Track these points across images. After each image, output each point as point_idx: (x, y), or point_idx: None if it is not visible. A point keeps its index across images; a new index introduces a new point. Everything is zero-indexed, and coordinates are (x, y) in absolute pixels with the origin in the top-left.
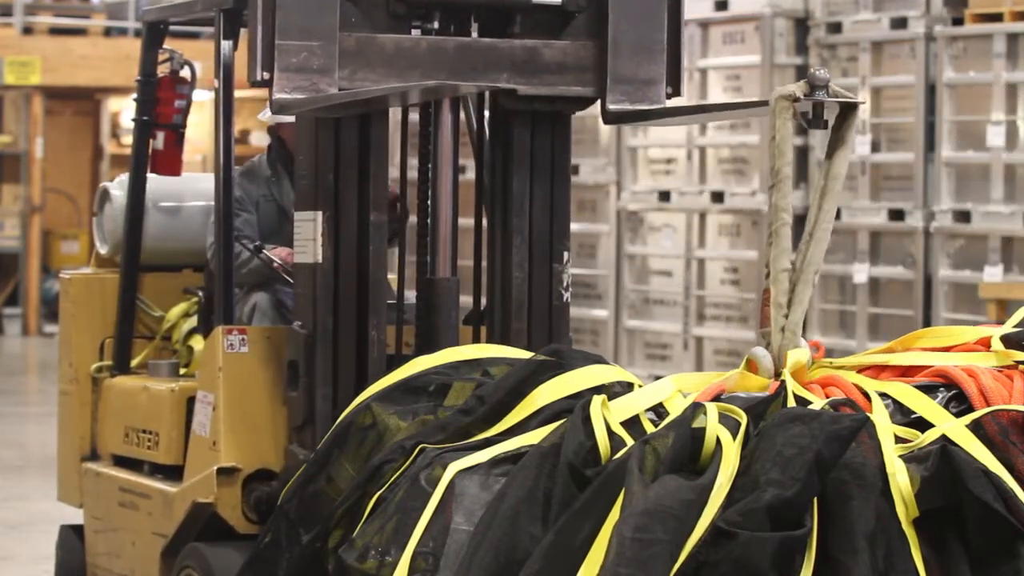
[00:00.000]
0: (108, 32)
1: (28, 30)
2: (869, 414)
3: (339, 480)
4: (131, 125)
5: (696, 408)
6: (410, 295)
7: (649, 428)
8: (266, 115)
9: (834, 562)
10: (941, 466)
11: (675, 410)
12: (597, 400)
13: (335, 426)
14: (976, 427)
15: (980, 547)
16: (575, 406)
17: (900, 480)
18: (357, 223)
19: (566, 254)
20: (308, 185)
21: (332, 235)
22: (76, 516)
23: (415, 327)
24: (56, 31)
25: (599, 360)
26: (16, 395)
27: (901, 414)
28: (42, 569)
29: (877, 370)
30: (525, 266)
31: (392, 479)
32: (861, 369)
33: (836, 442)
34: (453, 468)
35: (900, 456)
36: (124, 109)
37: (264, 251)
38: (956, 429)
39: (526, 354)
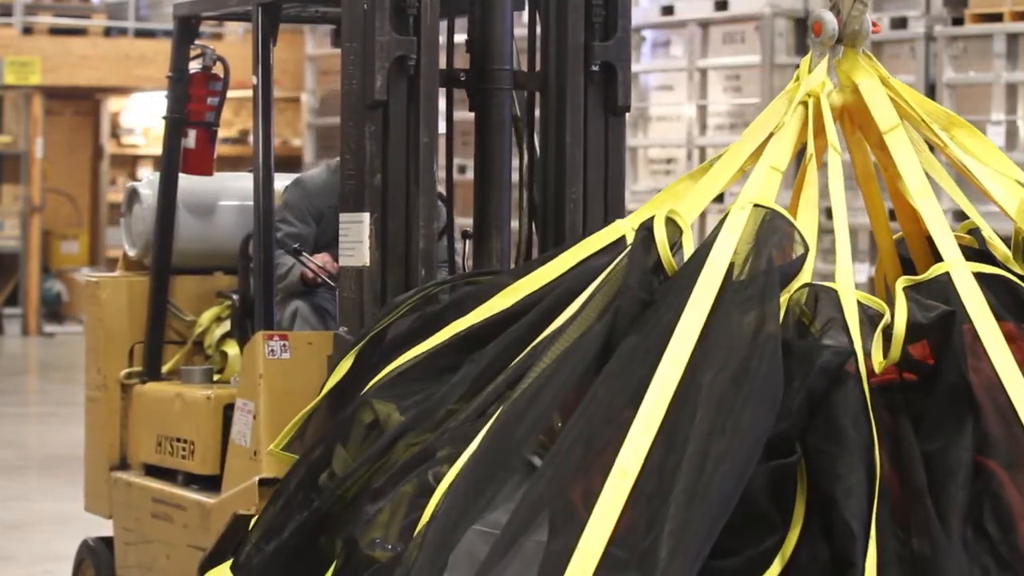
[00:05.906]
0: (108, 32)
1: (28, 30)
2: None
3: (340, 473)
4: (131, 125)
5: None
6: None
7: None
8: None
9: (818, 452)
10: (941, 321)
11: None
12: (660, 217)
13: (337, 420)
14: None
15: (935, 415)
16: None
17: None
18: (405, 225)
19: None
20: (355, 186)
21: (380, 237)
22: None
23: (468, 32)
24: (56, 31)
25: None
26: (16, 395)
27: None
28: (43, 569)
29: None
30: None
31: (394, 468)
32: None
33: (824, 375)
34: (459, 466)
35: (905, 288)
36: (124, 109)
37: (304, 256)
38: (961, 271)
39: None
